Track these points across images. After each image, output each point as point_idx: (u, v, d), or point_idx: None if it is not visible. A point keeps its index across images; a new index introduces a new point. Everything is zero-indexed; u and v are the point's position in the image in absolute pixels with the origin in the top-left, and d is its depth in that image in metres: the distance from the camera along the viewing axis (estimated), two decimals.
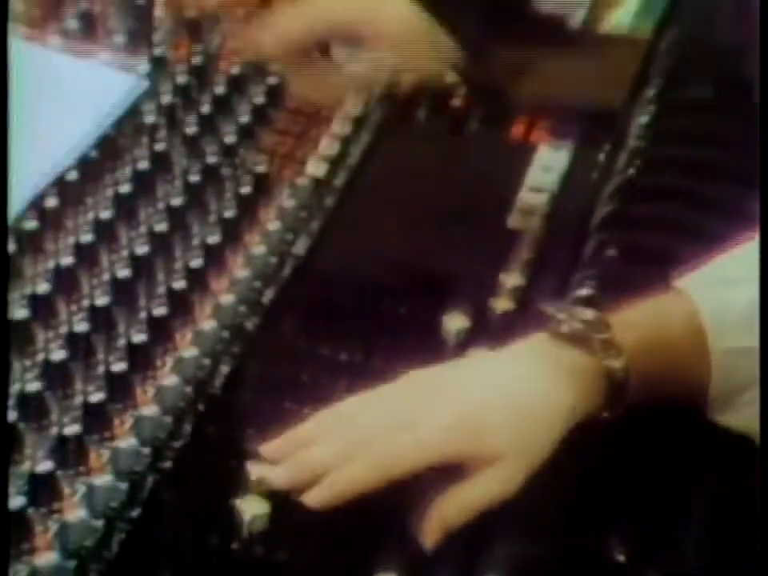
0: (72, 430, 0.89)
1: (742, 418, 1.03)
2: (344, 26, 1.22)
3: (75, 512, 0.84)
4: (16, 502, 0.82)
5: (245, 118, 1.20)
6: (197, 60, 1.25)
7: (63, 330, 0.98)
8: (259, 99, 1.22)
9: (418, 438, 0.91)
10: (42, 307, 0.98)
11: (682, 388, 1.01)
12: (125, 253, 1.06)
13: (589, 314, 1.01)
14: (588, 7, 1.34)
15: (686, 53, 1.35)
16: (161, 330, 1.00)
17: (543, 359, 0.98)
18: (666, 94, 1.30)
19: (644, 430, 0.98)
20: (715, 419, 1.02)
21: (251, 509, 0.88)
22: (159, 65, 1.25)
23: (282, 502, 0.89)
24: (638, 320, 1.02)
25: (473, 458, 0.92)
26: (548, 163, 1.22)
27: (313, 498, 0.89)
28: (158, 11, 1.31)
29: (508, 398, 0.96)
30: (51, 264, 1.03)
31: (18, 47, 1.18)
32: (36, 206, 1.08)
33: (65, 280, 1.01)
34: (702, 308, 1.02)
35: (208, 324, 1.00)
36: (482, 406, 0.94)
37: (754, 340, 1.01)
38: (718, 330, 1.04)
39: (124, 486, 0.88)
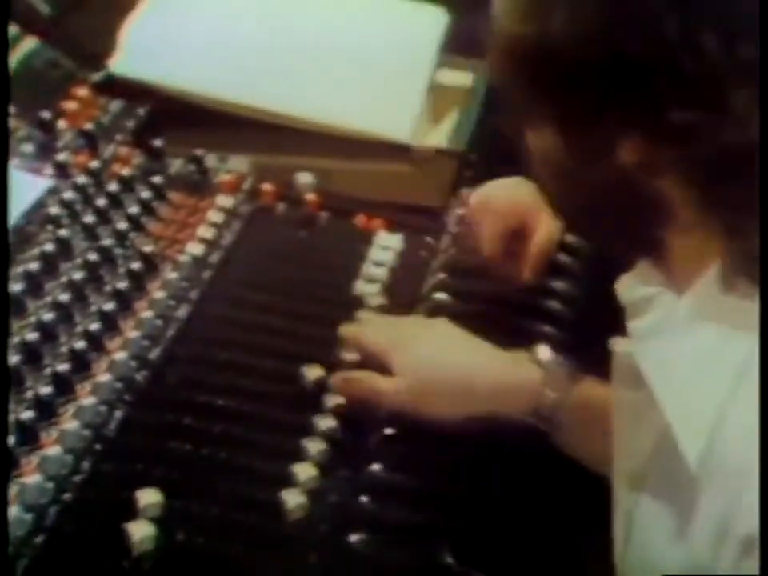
0: None
1: None
2: None
3: None
4: None
5: (134, 210, 1.18)
6: (93, 164, 1.24)
7: None
8: (146, 194, 1.21)
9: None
10: None
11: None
12: (33, 319, 1.03)
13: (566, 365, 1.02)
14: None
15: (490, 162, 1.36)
16: (64, 384, 0.97)
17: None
18: None
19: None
20: None
21: (140, 531, 0.86)
22: (61, 168, 1.22)
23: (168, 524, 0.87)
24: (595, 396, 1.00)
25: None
26: (386, 244, 1.22)
27: None
28: (61, 124, 1.29)
29: (453, 355, 1.03)
30: None
31: None
32: None
33: None
34: None
35: (104, 377, 0.98)
36: (436, 351, 1.03)
37: None
38: None
39: (29, 516, 0.86)
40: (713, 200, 0.77)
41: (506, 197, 1.22)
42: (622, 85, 0.74)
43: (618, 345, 0.88)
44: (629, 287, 0.86)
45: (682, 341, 0.80)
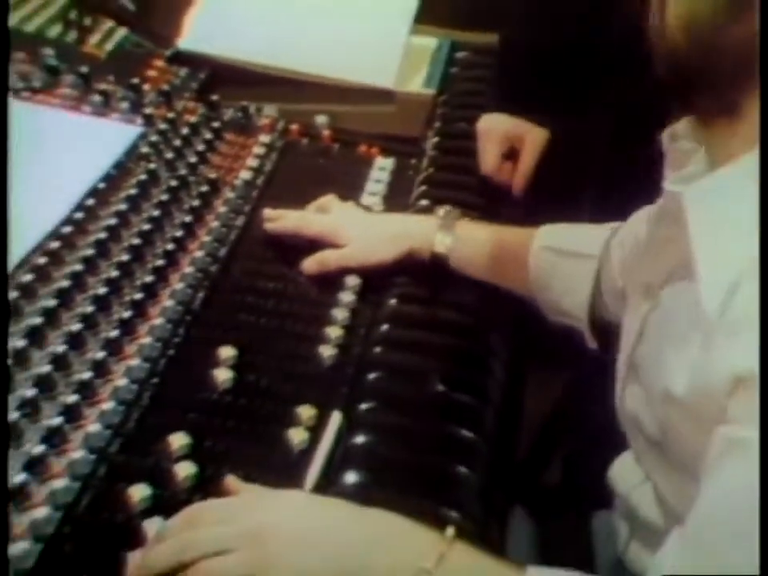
0: None
1: None
2: None
3: None
4: None
5: (200, 147, 1.15)
6: (170, 115, 1.20)
7: None
8: (208, 136, 1.17)
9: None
10: None
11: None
12: (135, 230, 0.99)
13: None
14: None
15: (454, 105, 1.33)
16: (148, 290, 0.91)
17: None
18: (442, 126, 1.29)
19: None
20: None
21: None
22: (148, 119, 1.18)
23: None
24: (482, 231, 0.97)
25: None
26: (382, 166, 1.20)
27: None
28: (146, 87, 1.24)
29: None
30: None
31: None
32: None
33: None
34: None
35: (188, 269, 0.94)
36: None
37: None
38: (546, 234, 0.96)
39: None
40: None
41: (499, 127, 1.19)
42: None
43: (668, 185, 0.74)
44: (676, 138, 0.74)
45: (730, 189, 0.65)
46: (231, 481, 0.73)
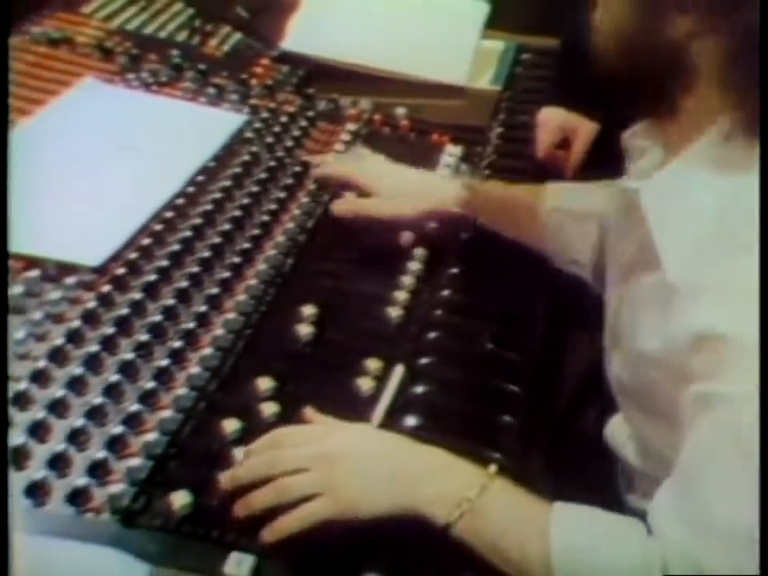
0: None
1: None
2: None
3: None
4: None
5: (296, 133, 1.13)
6: (272, 105, 1.18)
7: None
8: (304, 123, 1.16)
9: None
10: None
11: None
12: (237, 202, 0.99)
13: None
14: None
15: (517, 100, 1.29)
16: (245, 255, 0.89)
17: None
18: (506, 119, 1.25)
19: None
20: None
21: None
22: (253, 108, 1.17)
23: None
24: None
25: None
26: (452, 152, 1.16)
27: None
28: (253, 81, 1.23)
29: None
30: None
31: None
32: None
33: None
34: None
35: (280, 237, 0.93)
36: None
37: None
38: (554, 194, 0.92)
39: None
40: (730, 72, 0.63)
41: (555, 119, 1.16)
42: None
43: (623, 182, 0.74)
44: (633, 136, 0.73)
45: (682, 180, 0.65)
46: (309, 411, 0.73)
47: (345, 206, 0.96)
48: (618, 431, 0.82)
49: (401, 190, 0.96)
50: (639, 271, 0.72)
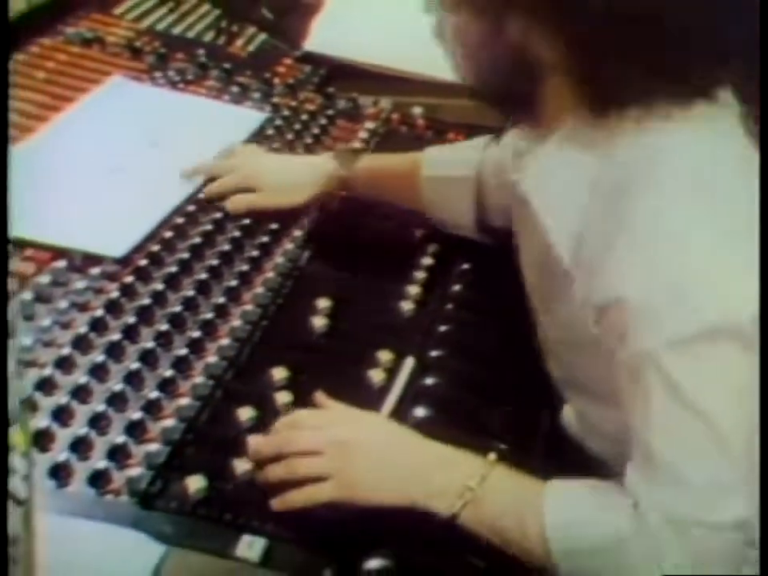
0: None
1: None
2: None
3: None
4: None
5: (316, 131, 1.12)
6: (293, 103, 1.17)
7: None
8: (324, 121, 1.15)
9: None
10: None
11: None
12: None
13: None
14: None
15: None
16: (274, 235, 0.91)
17: None
18: None
19: None
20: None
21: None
22: (275, 106, 1.16)
23: None
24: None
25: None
26: None
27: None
28: (276, 80, 1.22)
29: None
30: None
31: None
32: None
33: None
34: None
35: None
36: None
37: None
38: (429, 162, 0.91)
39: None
40: (573, 56, 0.63)
41: None
42: None
43: (511, 175, 0.74)
44: (511, 143, 0.75)
45: (553, 161, 0.67)
46: (320, 396, 0.73)
47: (236, 204, 0.93)
48: (567, 415, 0.81)
49: (285, 182, 0.94)
50: (548, 269, 0.71)
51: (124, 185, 0.94)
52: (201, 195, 0.96)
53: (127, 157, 0.98)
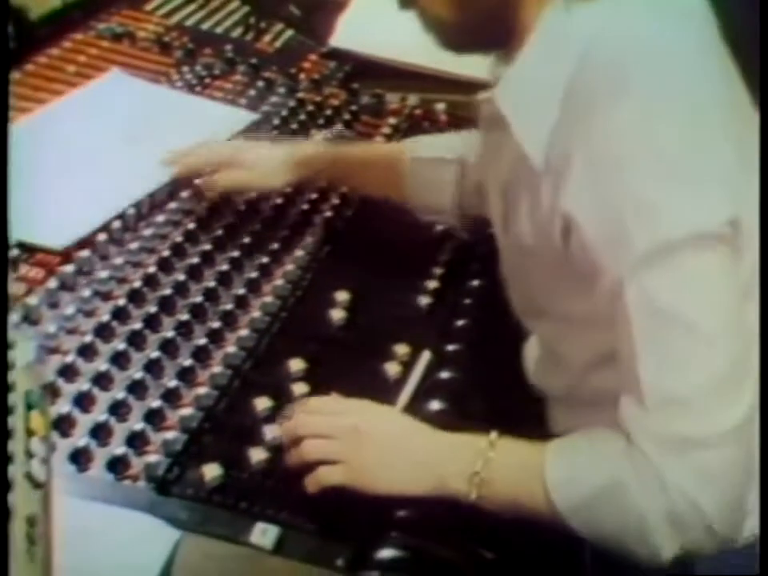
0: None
1: None
2: None
3: None
4: None
5: (339, 126, 1.12)
6: (317, 99, 1.17)
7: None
8: (348, 116, 1.14)
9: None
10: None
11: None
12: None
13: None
14: None
15: None
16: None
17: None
18: None
19: None
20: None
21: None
22: (300, 101, 1.16)
23: None
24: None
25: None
26: None
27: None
28: (301, 76, 1.23)
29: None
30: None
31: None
32: None
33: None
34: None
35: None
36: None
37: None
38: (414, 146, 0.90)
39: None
40: None
41: None
42: None
43: (480, 95, 0.72)
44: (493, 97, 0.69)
45: (527, 67, 0.65)
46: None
47: (223, 181, 0.91)
48: (530, 351, 0.80)
49: (268, 161, 0.92)
50: (516, 184, 0.70)
51: (103, 179, 0.92)
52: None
53: (101, 152, 0.96)
